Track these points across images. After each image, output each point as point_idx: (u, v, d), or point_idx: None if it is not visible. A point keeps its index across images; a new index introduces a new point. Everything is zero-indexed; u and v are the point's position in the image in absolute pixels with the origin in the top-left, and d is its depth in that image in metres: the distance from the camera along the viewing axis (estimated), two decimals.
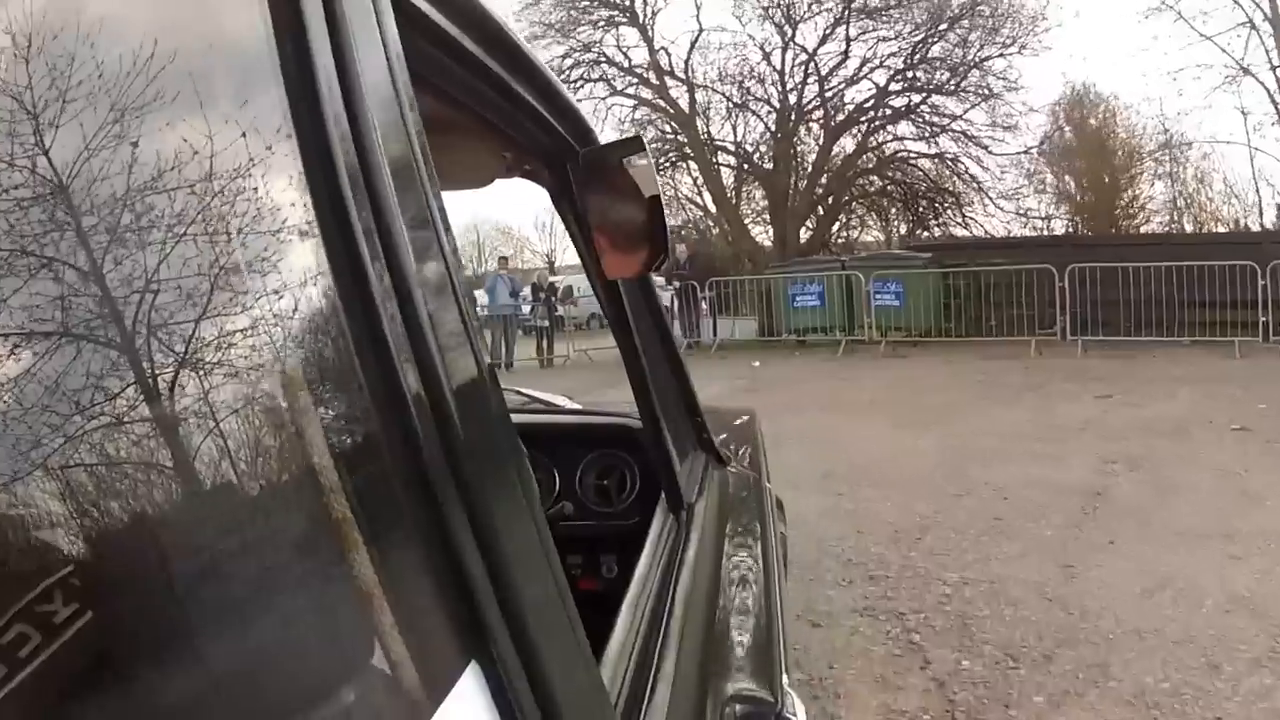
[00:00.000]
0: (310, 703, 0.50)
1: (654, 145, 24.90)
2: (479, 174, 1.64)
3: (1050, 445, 7.75)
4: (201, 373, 0.46)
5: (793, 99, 24.33)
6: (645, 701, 1.08)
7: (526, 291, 19.25)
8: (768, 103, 24.71)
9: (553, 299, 19.46)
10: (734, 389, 12.23)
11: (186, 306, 0.46)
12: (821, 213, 25.09)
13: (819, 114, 24.50)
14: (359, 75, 0.63)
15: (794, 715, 1.45)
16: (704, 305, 17.96)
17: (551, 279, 22.17)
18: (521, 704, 0.66)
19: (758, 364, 14.77)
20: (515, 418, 0.88)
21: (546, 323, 18.82)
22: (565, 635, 0.77)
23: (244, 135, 0.52)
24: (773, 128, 24.71)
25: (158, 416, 0.44)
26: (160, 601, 0.42)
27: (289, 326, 0.53)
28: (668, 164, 25.54)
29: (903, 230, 26.21)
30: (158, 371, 0.44)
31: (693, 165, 25.68)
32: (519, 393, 3.17)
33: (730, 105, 24.96)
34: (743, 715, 1.39)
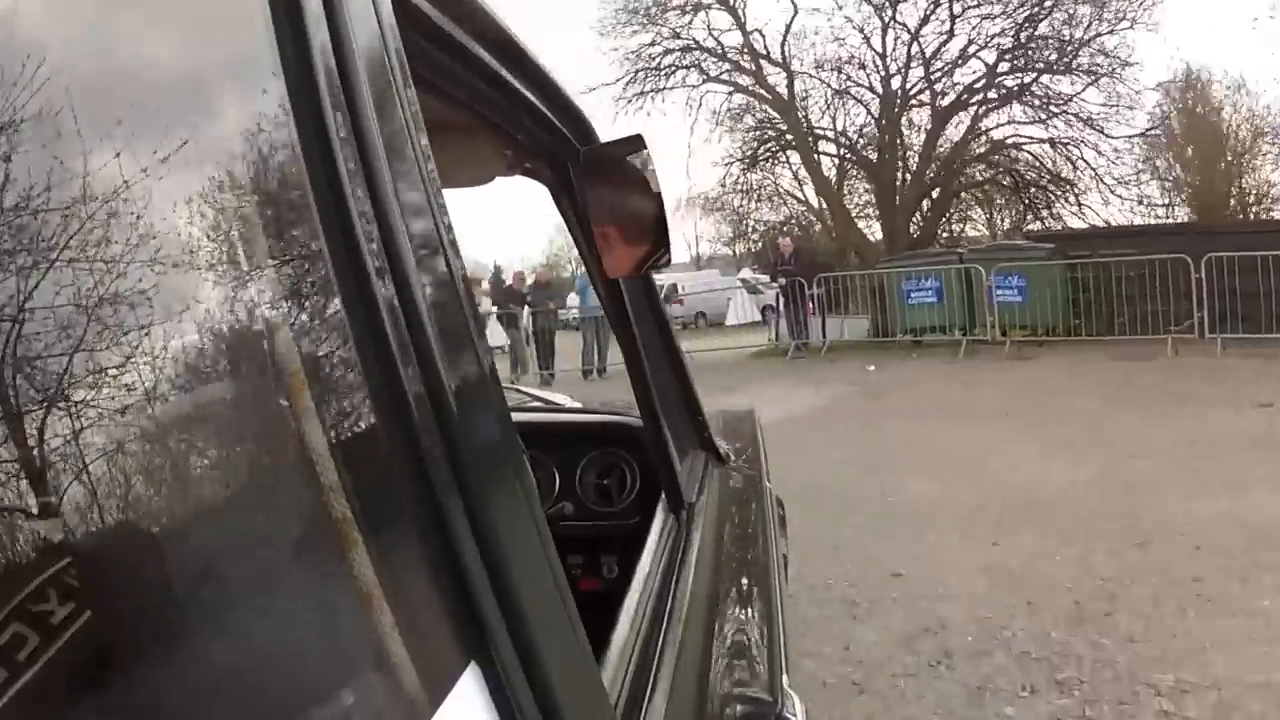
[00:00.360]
0: (310, 703, 0.50)
1: (752, 134, 24.04)
2: (480, 172, 1.64)
3: (1221, 468, 6.52)
4: (201, 371, 0.47)
5: (896, 84, 22.74)
6: (645, 702, 1.09)
7: None
8: (869, 89, 23.18)
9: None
10: (847, 396, 11.51)
11: (185, 305, 0.46)
12: (929, 204, 23.38)
13: (925, 98, 22.88)
14: (360, 74, 0.63)
15: (794, 715, 1.46)
16: (811, 304, 16.63)
17: None
18: (521, 704, 0.66)
19: (872, 368, 13.69)
20: (515, 417, 0.88)
21: None
22: (565, 635, 0.78)
23: (244, 134, 0.53)
24: (876, 114, 23.09)
25: (157, 416, 0.44)
26: (159, 601, 0.43)
27: (289, 326, 0.53)
28: (767, 154, 24.35)
29: (1006, 223, 24.40)
30: (157, 370, 0.44)
31: (792, 156, 24.24)
32: (520, 391, 3.26)
33: (830, 92, 23.42)
34: (743, 715, 1.39)
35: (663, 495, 1.85)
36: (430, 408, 0.63)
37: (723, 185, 24.65)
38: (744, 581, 1.99)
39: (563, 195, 1.61)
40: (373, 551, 0.54)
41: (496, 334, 17.18)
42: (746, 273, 28.22)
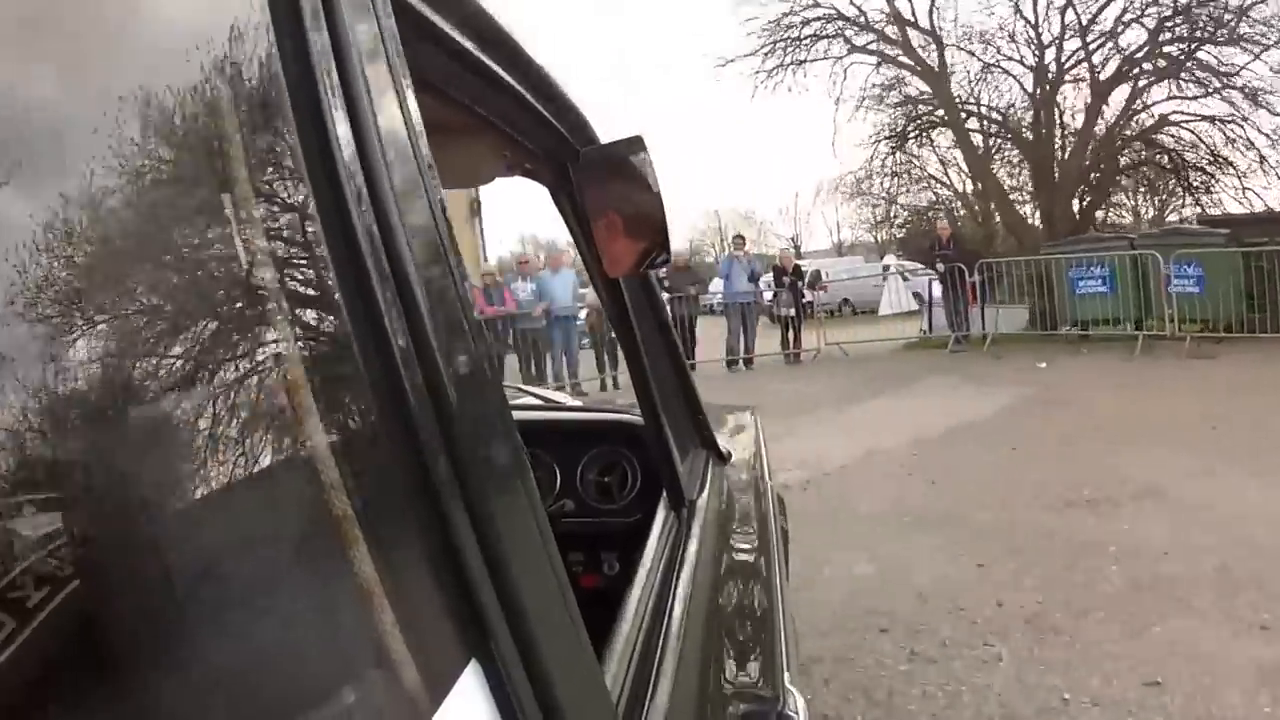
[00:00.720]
0: (311, 701, 0.50)
1: (899, 110, 21.84)
2: (479, 173, 1.64)
3: None
4: (201, 372, 0.47)
5: (1050, 55, 20.13)
6: (647, 699, 1.08)
7: (768, 276, 16.94)
8: (1020, 62, 20.64)
9: (799, 283, 16.50)
10: (1023, 402, 9.94)
11: (184, 305, 0.47)
12: (1085, 186, 20.71)
13: (1080, 71, 20.23)
14: (359, 75, 0.64)
15: (796, 713, 1.45)
16: (972, 292, 15.17)
17: (796, 261, 19.12)
18: (522, 702, 0.66)
19: (1043, 365, 12.27)
20: (516, 415, 0.88)
21: (792, 311, 16.13)
22: (566, 633, 0.78)
23: (243, 135, 0.53)
24: (1030, 89, 20.56)
25: (157, 416, 0.44)
26: (160, 600, 0.43)
27: (288, 326, 0.54)
28: (915, 131, 22.06)
29: (1150, 210, 22.51)
30: (157, 370, 0.44)
31: (939, 136, 22.07)
32: (520, 390, 3.29)
33: (981, 65, 20.97)
34: (745, 713, 1.40)
35: (664, 493, 1.85)
36: (431, 406, 0.63)
37: (869, 165, 22.73)
38: (745, 579, 1.99)
39: (562, 196, 1.61)
40: (374, 549, 0.54)
41: None
42: (890, 259, 27.16)
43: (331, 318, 0.58)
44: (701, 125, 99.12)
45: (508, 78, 1.16)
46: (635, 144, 1.53)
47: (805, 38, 21.23)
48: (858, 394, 11.21)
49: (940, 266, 15.62)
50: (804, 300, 16.65)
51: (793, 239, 43.20)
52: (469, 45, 1.01)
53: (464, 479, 0.65)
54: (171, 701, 0.42)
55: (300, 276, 0.57)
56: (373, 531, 0.55)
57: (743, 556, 2.09)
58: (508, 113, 1.28)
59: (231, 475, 0.48)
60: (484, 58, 1.06)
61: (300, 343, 0.55)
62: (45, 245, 0.40)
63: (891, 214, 23.60)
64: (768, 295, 16.76)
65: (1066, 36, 19.97)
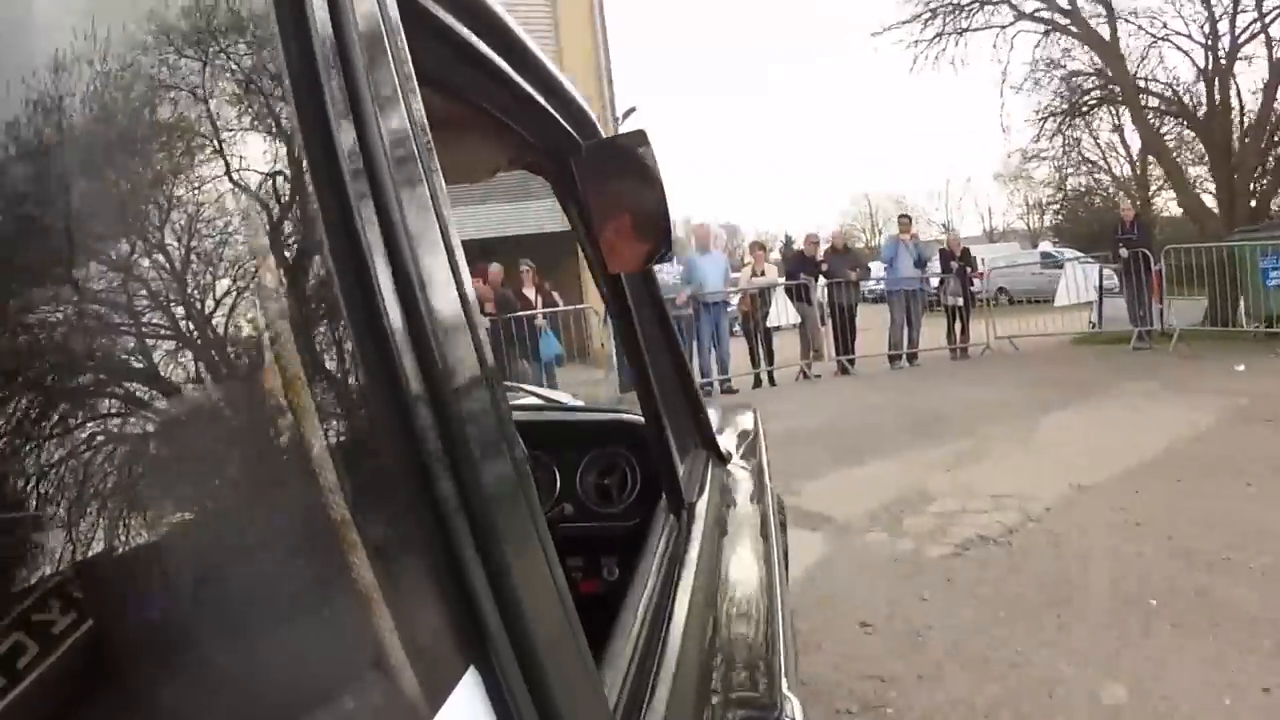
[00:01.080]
0: (310, 706, 0.50)
1: (1068, 85, 19.96)
2: (482, 167, 1.63)
3: None
4: (201, 372, 0.47)
5: (1223, 27, 17.75)
6: (645, 705, 1.08)
7: (934, 263, 14.50)
8: (1189, 37, 18.42)
9: (968, 269, 14.44)
10: (1237, 416, 8.03)
11: (185, 305, 0.46)
12: (1263, 168, 18.14)
13: (1258, 46, 17.65)
14: (364, 70, 0.64)
15: (794, 719, 1.44)
16: (1158, 282, 13.22)
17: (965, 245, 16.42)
18: (520, 708, 0.66)
19: (1241, 368, 10.39)
20: (516, 416, 0.88)
21: (960, 300, 14.04)
22: (565, 638, 0.78)
23: (247, 130, 0.53)
24: (1201, 64, 18.32)
25: (158, 419, 0.44)
26: (160, 603, 0.43)
27: (288, 325, 0.53)
28: (1085, 108, 20.28)
29: None
30: (157, 372, 0.44)
31: (1098, 117, 20.55)
32: (520, 390, 3.27)
33: (1147, 40, 18.93)
34: (743, 719, 1.38)
35: (663, 496, 1.83)
36: (431, 408, 0.63)
37: (1034, 145, 21.10)
38: (744, 583, 1.97)
39: (565, 190, 1.60)
40: (372, 554, 0.54)
41: (784, 310, 14.29)
42: (1046, 246, 25.53)
43: (332, 318, 0.58)
44: (850, 105, 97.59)
45: (511, 72, 1.16)
46: (638, 137, 1.51)
47: (967, 3, 19.20)
48: (1045, 401, 9.53)
49: (1124, 252, 13.61)
50: (972, 289, 14.73)
51: (944, 224, 41.69)
52: (472, 39, 1.01)
53: (464, 483, 0.64)
54: (172, 706, 0.42)
55: (299, 275, 0.56)
56: (372, 536, 0.54)
57: (742, 561, 2.07)
58: (511, 107, 1.27)
59: (232, 481, 0.48)
60: (488, 52, 1.06)
61: (299, 344, 0.54)
62: (44, 244, 0.40)
63: (1059, 196, 21.89)
64: (933, 282, 14.89)
65: (1240, 9, 17.75)
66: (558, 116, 1.41)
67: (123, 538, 0.41)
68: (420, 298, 0.64)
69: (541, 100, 1.31)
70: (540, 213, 16.34)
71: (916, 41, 19.41)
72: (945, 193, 46.52)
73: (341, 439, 0.56)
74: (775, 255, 18.13)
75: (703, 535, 1.77)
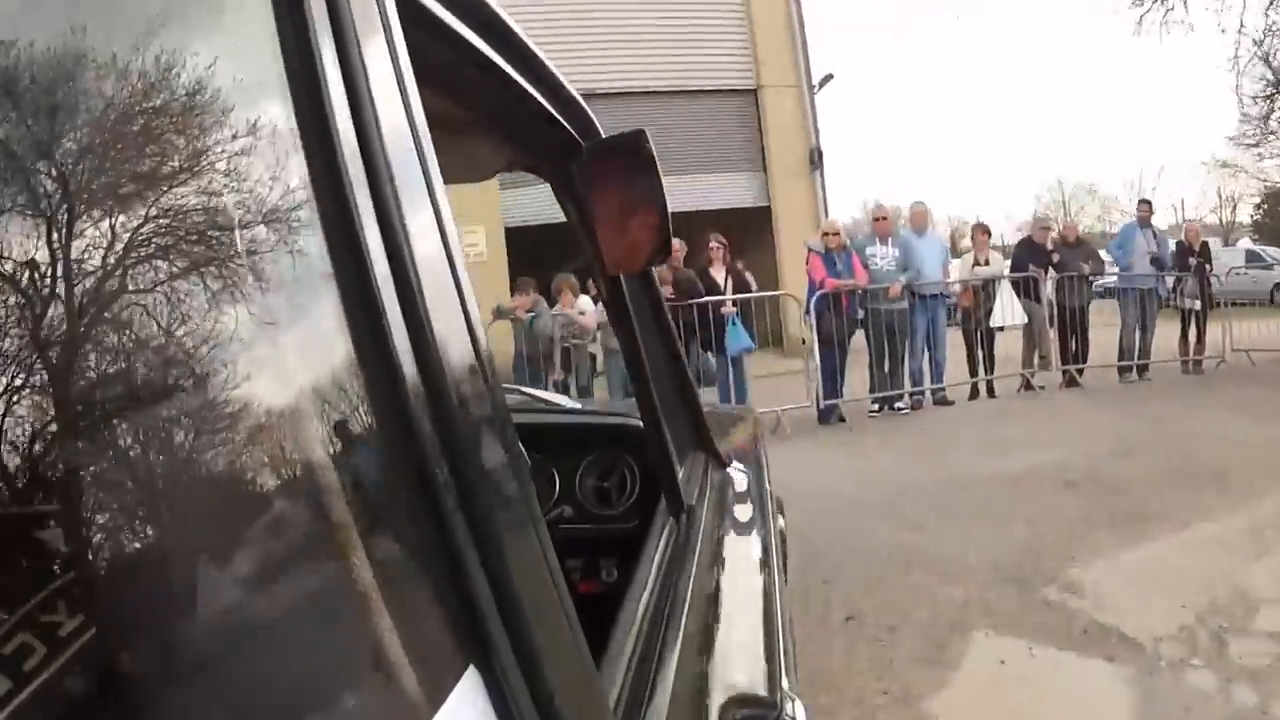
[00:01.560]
0: (309, 706, 0.50)
1: None
2: (482, 167, 1.62)
3: None
4: (200, 373, 0.46)
5: None
6: (645, 706, 1.08)
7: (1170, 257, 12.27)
8: None
9: (1207, 266, 12.21)
10: None
11: (185, 305, 0.46)
12: None
13: None
14: (363, 69, 0.64)
15: (795, 719, 1.44)
16: None
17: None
18: (520, 709, 0.66)
19: None
20: (516, 418, 0.88)
21: (1197, 303, 11.86)
22: (565, 639, 0.78)
23: (247, 130, 0.53)
24: None
25: (154, 421, 0.44)
26: (158, 604, 0.43)
27: (287, 325, 0.53)
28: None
29: None
30: (156, 372, 0.44)
31: None
32: (520, 392, 3.26)
33: None
34: (744, 718, 1.37)
35: (663, 498, 1.83)
36: (430, 410, 0.63)
37: (1261, 125, 19.42)
38: (744, 585, 1.96)
39: (565, 191, 1.59)
40: (372, 554, 0.54)
41: (1011, 307, 10.90)
42: (1246, 243, 24.47)
43: (331, 318, 0.57)
44: (1038, 82, 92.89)
45: (511, 72, 1.15)
46: (639, 138, 1.50)
47: None
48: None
49: None
50: (1208, 289, 12.30)
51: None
52: (473, 39, 1.00)
53: (463, 484, 0.64)
54: (172, 706, 0.42)
55: (299, 276, 0.55)
56: (372, 537, 0.54)
57: (741, 563, 2.07)
58: (511, 107, 1.27)
59: (230, 481, 0.48)
60: (488, 52, 1.06)
61: (298, 345, 0.54)
62: (45, 245, 0.40)
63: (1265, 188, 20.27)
64: (1167, 281, 12.38)
65: None
66: (558, 117, 1.41)
67: (121, 539, 0.41)
68: (420, 299, 0.63)
69: (542, 100, 1.31)
70: (735, 187, 15.59)
71: (1131, 5, 17.76)
72: (1138, 182, 44.41)
73: (341, 440, 0.56)
74: (966, 241, 14.75)
75: (702, 537, 1.76)
